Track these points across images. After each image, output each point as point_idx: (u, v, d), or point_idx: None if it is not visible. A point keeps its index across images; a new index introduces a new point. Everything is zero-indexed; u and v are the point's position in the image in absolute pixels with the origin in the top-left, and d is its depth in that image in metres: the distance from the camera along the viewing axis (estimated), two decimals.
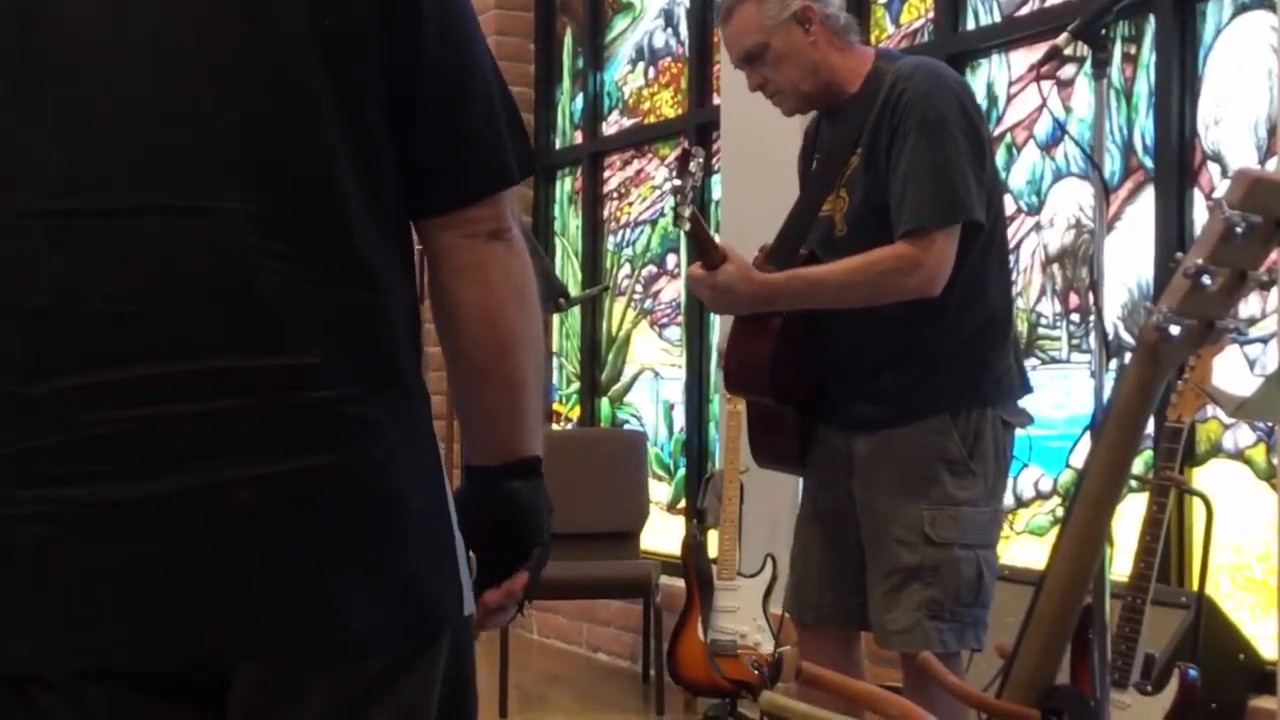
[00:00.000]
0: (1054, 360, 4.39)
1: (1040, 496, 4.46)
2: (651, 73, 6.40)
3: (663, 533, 5.97)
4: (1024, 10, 4.58)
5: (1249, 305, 3.76)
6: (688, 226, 2.78)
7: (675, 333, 6.16)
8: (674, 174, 2.83)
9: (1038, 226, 4.46)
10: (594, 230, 6.64)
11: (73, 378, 1.37)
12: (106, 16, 1.40)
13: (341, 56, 1.42)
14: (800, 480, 3.08)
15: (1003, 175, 4.45)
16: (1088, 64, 2.45)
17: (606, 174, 6.63)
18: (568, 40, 6.94)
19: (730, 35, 2.94)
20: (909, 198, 2.73)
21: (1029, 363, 4.14)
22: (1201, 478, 3.92)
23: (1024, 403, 2.93)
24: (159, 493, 1.35)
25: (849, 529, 2.89)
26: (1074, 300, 4.35)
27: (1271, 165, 3.73)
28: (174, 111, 1.39)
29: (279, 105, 1.40)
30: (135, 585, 1.36)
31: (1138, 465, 3.73)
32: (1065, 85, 4.38)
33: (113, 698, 1.39)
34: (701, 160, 2.86)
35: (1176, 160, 4.00)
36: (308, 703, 1.41)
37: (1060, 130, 4.37)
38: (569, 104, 6.93)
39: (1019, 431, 2.92)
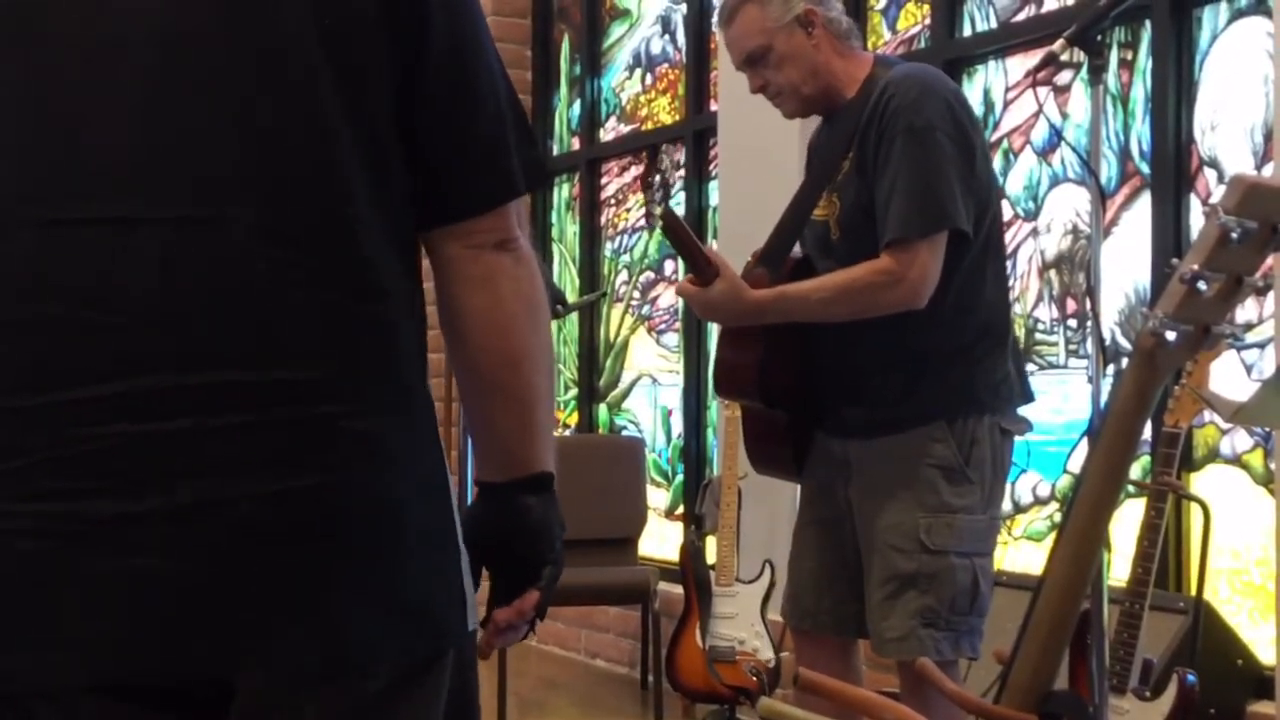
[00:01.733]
0: (1051, 365, 4.39)
1: (1038, 502, 4.46)
2: (649, 79, 6.40)
3: (661, 539, 5.97)
4: (1020, 16, 4.59)
5: (1245, 310, 3.76)
6: (660, 224, 2.77)
7: (673, 339, 6.16)
8: (645, 173, 2.82)
9: (1034, 232, 4.47)
10: (591, 236, 6.64)
11: (67, 391, 1.35)
12: (105, 19, 1.37)
13: (347, 60, 1.39)
14: (799, 486, 3.08)
15: (999, 181, 4.47)
16: (1084, 70, 2.45)
17: (604, 180, 6.63)
18: (565, 47, 6.94)
19: (732, 37, 2.94)
20: (893, 207, 2.72)
21: (1027, 368, 4.15)
22: (1199, 483, 3.92)
23: (1024, 409, 2.92)
24: (155, 509, 1.33)
25: (846, 536, 2.89)
26: (1071, 305, 4.36)
27: (1268, 171, 3.74)
28: (174, 116, 1.37)
29: (282, 109, 1.38)
30: (131, 599, 1.34)
31: (1135, 470, 3.73)
32: (1061, 91, 4.39)
33: (112, 712, 1.38)
34: (677, 158, 2.86)
35: (1173, 166, 4.01)
36: (309, 719, 1.39)
37: (1057, 136, 4.37)
38: (566, 110, 6.94)
39: (1017, 437, 2.92)
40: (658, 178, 2.81)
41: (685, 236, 2.83)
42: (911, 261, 2.71)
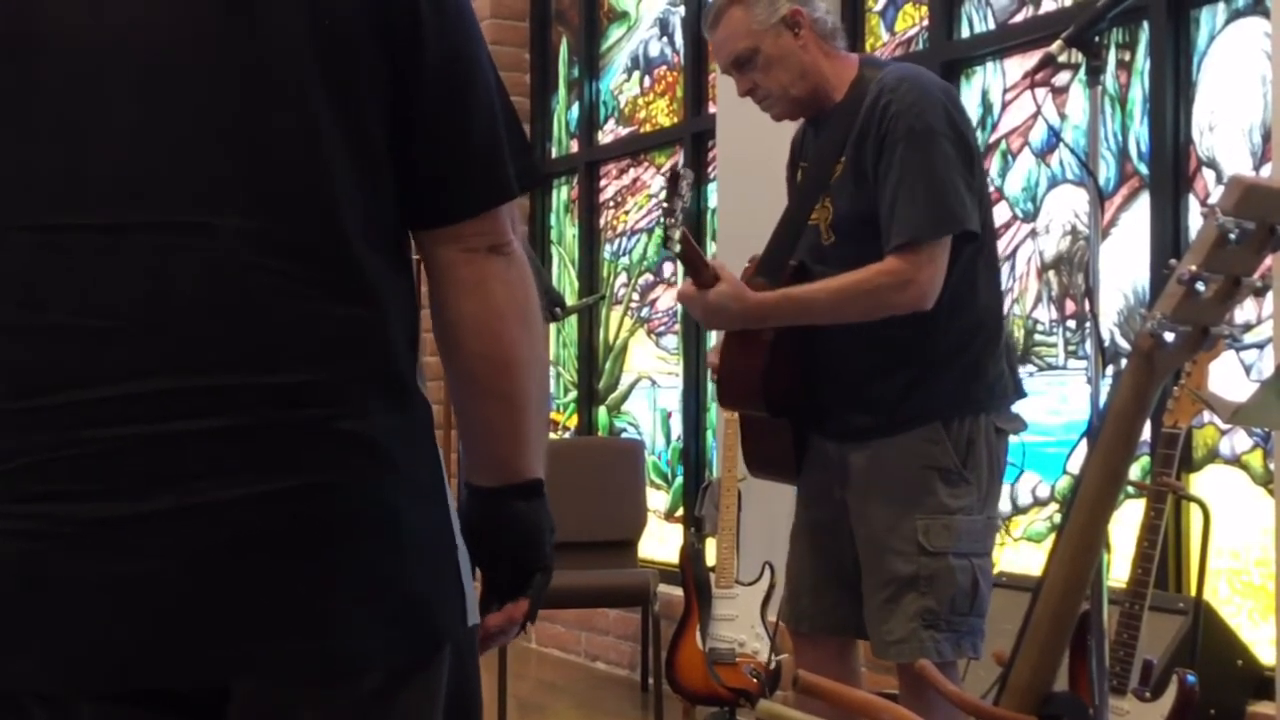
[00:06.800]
0: (1050, 366, 4.39)
1: (1038, 503, 4.46)
2: (647, 81, 6.40)
3: (660, 541, 5.97)
4: (1018, 18, 4.59)
5: (1244, 311, 3.76)
6: (678, 249, 2.76)
7: (672, 341, 6.16)
8: (663, 196, 2.80)
9: (1033, 233, 4.47)
10: (590, 239, 6.65)
11: (62, 394, 1.35)
12: (99, 26, 1.38)
13: (340, 65, 1.39)
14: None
15: (998, 182, 4.49)
16: (1082, 71, 2.45)
17: (603, 183, 6.64)
18: (563, 50, 6.94)
19: (719, 40, 2.93)
20: (899, 211, 2.72)
21: (1025, 369, 4.16)
22: (1198, 483, 3.92)
23: (1020, 408, 2.92)
24: (148, 511, 1.33)
25: (843, 538, 2.89)
26: (1070, 307, 4.36)
27: (1266, 171, 3.74)
28: (168, 123, 1.37)
29: (275, 117, 1.38)
30: (125, 603, 1.34)
31: (1135, 471, 3.73)
32: (1060, 92, 4.39)
33: (109, 716, 1.38)
34: (691, 181, 2.85)
35: (1171, 167, 4.01)
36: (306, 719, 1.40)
37: (1055, 137, 4.38)
38: (565, 113, 6.94)
39: (1013, 438, 2.92)
40: (679, 203, 2.78)
41: (693, 251, 2.83)
42: (922, 263, 2.71)
